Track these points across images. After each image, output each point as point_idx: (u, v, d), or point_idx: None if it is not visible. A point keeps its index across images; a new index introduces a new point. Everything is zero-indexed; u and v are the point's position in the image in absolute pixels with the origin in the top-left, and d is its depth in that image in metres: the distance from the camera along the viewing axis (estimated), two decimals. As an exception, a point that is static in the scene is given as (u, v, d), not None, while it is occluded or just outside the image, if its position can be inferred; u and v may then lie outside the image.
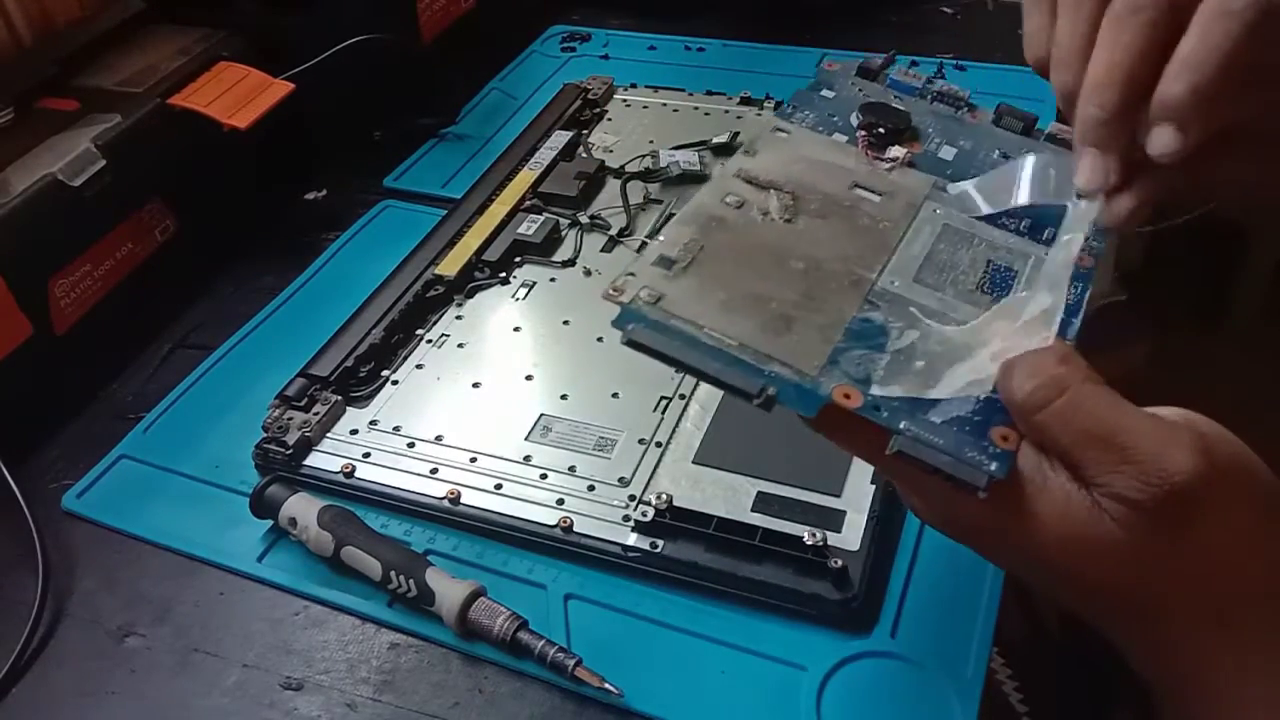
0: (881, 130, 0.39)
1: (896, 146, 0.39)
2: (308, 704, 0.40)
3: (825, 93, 0.42)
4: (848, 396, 0.30)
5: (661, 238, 0.34)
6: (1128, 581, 0.29)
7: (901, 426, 0.29)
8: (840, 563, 0.40)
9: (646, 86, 0.74)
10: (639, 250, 0.58)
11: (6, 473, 0.47)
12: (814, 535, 0.41)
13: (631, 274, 0.32)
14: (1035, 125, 0.40)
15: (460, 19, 0.81)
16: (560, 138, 0.67)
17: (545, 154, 0.66)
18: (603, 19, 0.86)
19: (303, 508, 0.44)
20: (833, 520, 0.42)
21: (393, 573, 0.42)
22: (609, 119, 0.71)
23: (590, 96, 0.72)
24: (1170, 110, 0.31)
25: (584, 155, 0.66)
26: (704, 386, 0.49)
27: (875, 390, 0.30)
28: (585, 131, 0.69)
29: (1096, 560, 0.29)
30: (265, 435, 0.48)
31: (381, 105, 0.72)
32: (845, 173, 0.38)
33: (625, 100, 0.73)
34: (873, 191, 0.37)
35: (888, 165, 0.39)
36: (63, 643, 0.43)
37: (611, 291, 0.32)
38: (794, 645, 0.40)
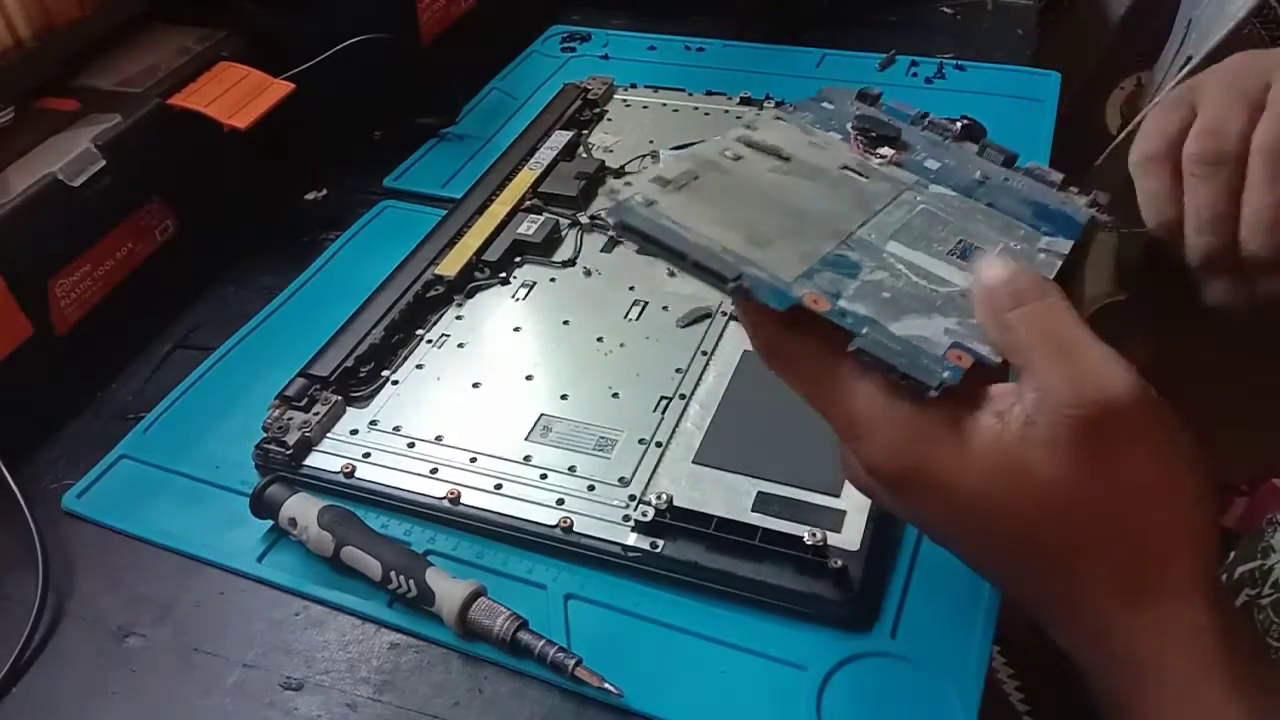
0: (873, 134, 0.42)
1: (887, 147, 0.41)
2: (308, 704, 0.40)
3: (825, 104, 0.44)
4: (816, 301, 0.31)
5: (660, 165, 0.35)
6: (1042, 522, 0.30)
7: (864, 331, 0.31)
8: (840, 563, 0.40)
9: (646, 86, 0.74)
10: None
11: (6, 473, 0.47)
12: (814, 535, 0.41)
13: (628, 183, 0.34)
14: (1015, 161, 0.42)
15: (460, 19, 0.81)
16: (560, 138, 0.67)
17: (545, 154, 0.66)
18: (603, 19, 0.86)
19: (303, 508, 0.44)
20: (833, 520, 0.42)
21: (393, 573, 0.42)
22: (609, 119, 0.71)
23: (590, 96, 0.72)
24: None
25: (584, 155, 0.66)
26: (704, 386, 0.49)
27: (843, 304, 0.32)
28: (585, 131, 0.69)
29: (1015, 492, 0.30)
30: (265, 435, 0.48)
31: (381, 105, 0.72)
32: (836, 156, 0.40)
33: (625, 100, 0.73)
34: (860, 174, 0.39)
35: (878, 160, 0.41)
36: (63, 643, 0.43)
37: (610, 190, 0.33)
38: (794, 645, 0.40)
